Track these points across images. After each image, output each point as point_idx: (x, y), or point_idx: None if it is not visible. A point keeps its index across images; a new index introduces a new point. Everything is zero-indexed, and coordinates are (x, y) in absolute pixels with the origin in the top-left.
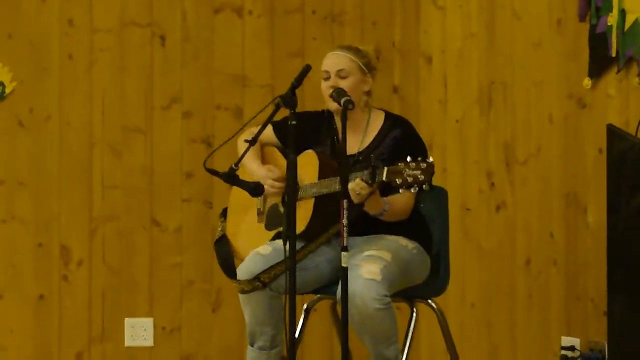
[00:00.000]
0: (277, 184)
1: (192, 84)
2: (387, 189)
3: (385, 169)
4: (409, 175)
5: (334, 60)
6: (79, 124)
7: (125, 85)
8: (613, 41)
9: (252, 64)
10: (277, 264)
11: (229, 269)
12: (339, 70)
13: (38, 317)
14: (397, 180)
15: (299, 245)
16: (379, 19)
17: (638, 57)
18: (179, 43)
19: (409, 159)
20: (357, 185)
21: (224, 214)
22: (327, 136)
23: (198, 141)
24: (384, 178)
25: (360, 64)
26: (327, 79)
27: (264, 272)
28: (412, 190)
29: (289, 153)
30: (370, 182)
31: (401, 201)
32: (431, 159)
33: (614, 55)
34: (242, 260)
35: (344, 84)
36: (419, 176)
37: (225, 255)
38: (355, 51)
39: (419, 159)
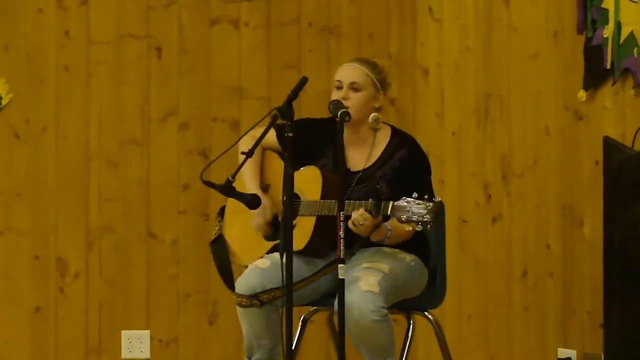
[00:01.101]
0: (263, 227)
1: (189, 96)
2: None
3: (391, 203)
4: (414, 214)
5: (349, 72)
6: (75, 136)
7: (121, 97)
8: (608, 53)
9: (249, 76)
10: (277, 288)
11: (226, 274)
12: (352, 83)
13: (34, 329)
14: (402, 216)
15: (297, 261)
16: (376, 31)
17: (634, 69)
18: (176, 55)
19: (415, 194)
20: (360, 217)
21: (221, 213)
22: (332, 147)
23: (194, 153)
24: (388, 212)
25: (375, 79)
26: (339, 88)
27: (263, 292)
28: (417, 229)
29: (287, 167)
30: (374, 213)
31: (404, 229)
32: (438, 199)
33: (608, 67)
34: (238, 264)
35: (355, 97)
36: (425, 216)
37: (222, 258)
38: (372, 66)
39: (426, 197)
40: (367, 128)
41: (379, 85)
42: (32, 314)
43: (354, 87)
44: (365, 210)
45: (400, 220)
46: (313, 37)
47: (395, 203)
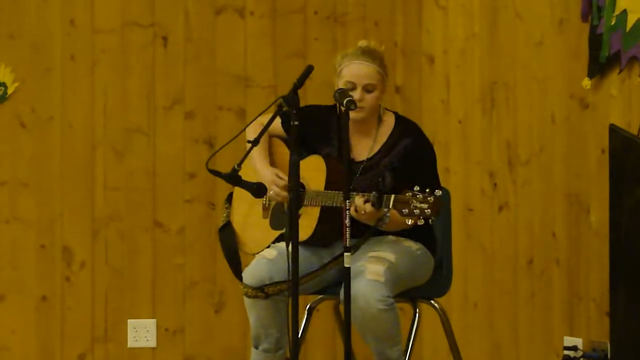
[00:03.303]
0: (282, 193)
1: (195, 84)
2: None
3: (393, 196)
4: (416, 208)
5: (363, 72)
6: (81, 125)
7: (127, 86)
8: (605, 42)
9: (254, 64)
10: (283, 282)
11: (234, 260)
12: (367, 84)
13: (41, 318)
14: (403, 210)
15: (304, 251)
16: (381, 19)
17: None
18: (181, 44)
19: (417, 188)
20: (363, 206)
21: (229, 199)
22: (336, 137)
23: (200, 142)
24: (390, 206)
25: (383, 73)
26: (353, 89)
27: (270, 285)
28: (418, 222)
29: (292, 153)
30: (377, 206)
31: (404, 220)
32: (439, 193)
33: (605, 55)
34: (245, 252)
35: (370, 98)
36: (426, 210)
37: (230, 245)
38: (380, 60)
39: (427, 191)
40: (373, 118)
41: (385, 75)
42: (38, 303)
43: (368, 89)
44: (368, 201)
45: (401, 214)
46: (319, 26)
47: (397, 197)
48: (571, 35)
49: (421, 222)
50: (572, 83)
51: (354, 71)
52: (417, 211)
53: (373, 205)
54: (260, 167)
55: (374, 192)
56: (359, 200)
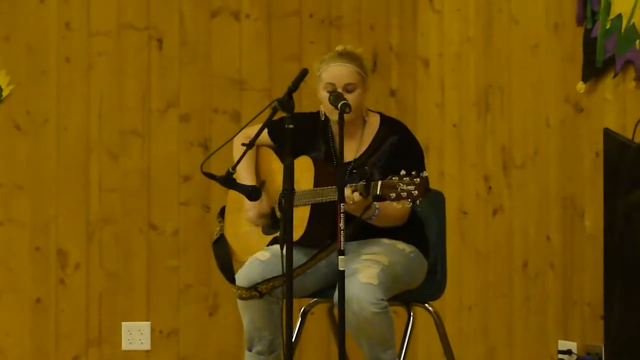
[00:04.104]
0: (258, 221)
1: (190, 87)
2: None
3: (380, 182)
4: (403, 190)
5: (342, 73)
6: (76, 127)
7: (122, 89)
8: (600, 46)
9: (250, 67)
10: (276, 277)
11: (228, 273)
12: (347, 84)
13: (35, 320)
14: (390, 194)
15: (296, 252)
16: (376, 22)
17: (635, 60)
18: (177, 46)
19: (403, 172)
20: (351, 195)
21: (221, 213)
22: (323, 141)
23: (195, 145)
24: (377, 192)
25: (363, 73)
26: (333, 91)
27: (262, 282)
28: (407, 205)
29: (286, 156)
30: (364, 194)
31: (394, 208)
32: (425, 174)
33: (600, 60)
34: (240, 262)
35: (351, 98)
36: (413, 191)
37: (224, 258)
38: (359, 61)
39: (413, 173)
40: (355, 118)
41: (365, 75)
42: (33, 305)
43: (348, 89)
44: (356, 191)
45: (390, 199)
46: (314, 29)
47: (384, 182)
48: (566, 39)
49: (409, 204)
50: (566, 87)
51: (333, 73)
52: (404, 194)
53: (360, 194)
54: (245, 179)
55: (361, 181)
56: (347, 190)
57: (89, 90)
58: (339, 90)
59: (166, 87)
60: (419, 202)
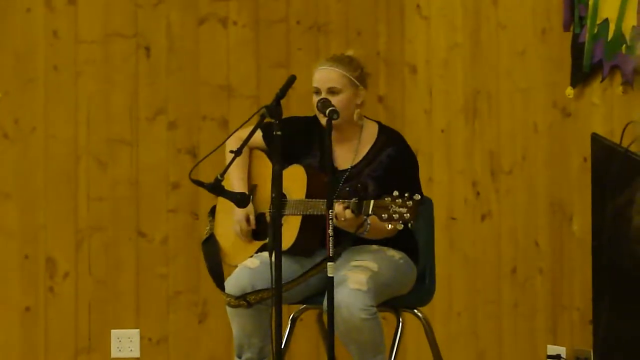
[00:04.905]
0: (243, 232)
1: (178, 94)
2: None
3: (372, 202)
4: (395, 212)
5: (325, 76)
6: (64, 136)
7: (110, 97)
8: (587, 50)
9: (237, 74)
10: (265, 290)
11: (216, 273)
12: (330, 87)
13: (24, 329)
14: (382, 215)
15: (285, 260)
16: (364, 28)
17: (622, 65)
18: (164, 54)
19: (396, 193)
20: (343, 212)
21: (212, 212)
22: (318, 147)
23: (183, 152)
24: (369, 212)
25: (352, 77)
26: (318, 93)
27: (251, 293)
28: (398, 227)
29: (274, 164)
30: (356, 212)
31: (385, 226)
32: (418, 197)
33: (588, 64)
34: (229, 264)
35: (335, 100)
36: (405, 214)
37: (213, 258)
38: (347, 64)
39: (406, 195)
40: (352, 126)
41: (357, 83)
42: (22, 313)
43: (332, 91)
44: (347, 208)
45: (381, 219)
46: (301, 35)
47: (376, 202)
48: (553, 45)
49: (400, 226)
50: (554, 92)
51: (318, 76)
52: (396, 215)
53: (353, 211)
54: (237, 187)
55: (354, 199)
56: (338, 207)
57: (76, 99)
58: (323, 93)
59: (154, 95)
60: (410, 225)
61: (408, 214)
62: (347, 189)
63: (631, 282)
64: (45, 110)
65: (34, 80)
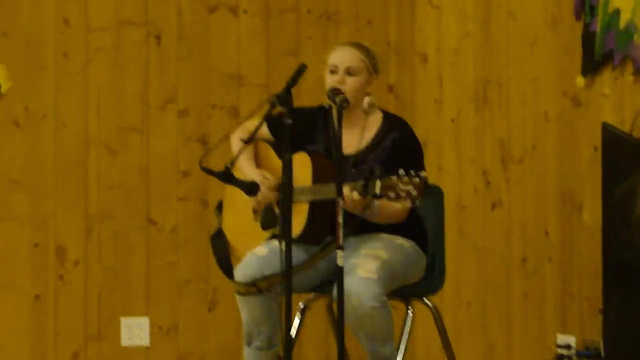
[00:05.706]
0: (270, 194)
1: (188, 83)
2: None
3: (378, 182)
4: (402, 190)
5: (345, 56)
6: (74, 123)
7: (120, 84)
8: (599, 40)
9: (248, 63)
10: (275, 274)
11: (226, 267)
12: (349, 67)
13: (34, 316)
14: (390, 194)
15: (295, 248)
16: (374, 17)
17: (633, 55)
18: (175, 42)
19: (402, 172)
20: (350, 194)
21: (219, 207)
22: (323, 134)
23: (194, 140)
24: (376, 191)
25: (369, 64)
26: (334, 72)
27: (261, 279)
28: (406, 205)
29: (285, 152)
30: (363, 193)
31: (394, 207)
32: (424, 174)
33: (599, 53)
34: (237, 258)
35: (351, 82)
36: (412, 191)
37: (222, 252)
38: (366, 51)
39: (412, 173)
40: (359, 112)
41: (372, 70)
42: (32, 301)
43: (350, 72)
44: (354, 189)
45: (389, 198)
46: (312, 24)
47: (383, 181)
48: (564, 34)
49: (408, 203)
50: (565, 81)
51: (336, 54)
52: (403, 193)
53: (360, 193)
54: (247, 169)
55: (360, 180)
56: (345, 189)
57: (87, 86)
58: (340, 73)
59: (164, 83)
60: (418, 202)
61: (415, 191)
62: (357, 175)
63: None
64: (56, 98)
65: (45, 68)
